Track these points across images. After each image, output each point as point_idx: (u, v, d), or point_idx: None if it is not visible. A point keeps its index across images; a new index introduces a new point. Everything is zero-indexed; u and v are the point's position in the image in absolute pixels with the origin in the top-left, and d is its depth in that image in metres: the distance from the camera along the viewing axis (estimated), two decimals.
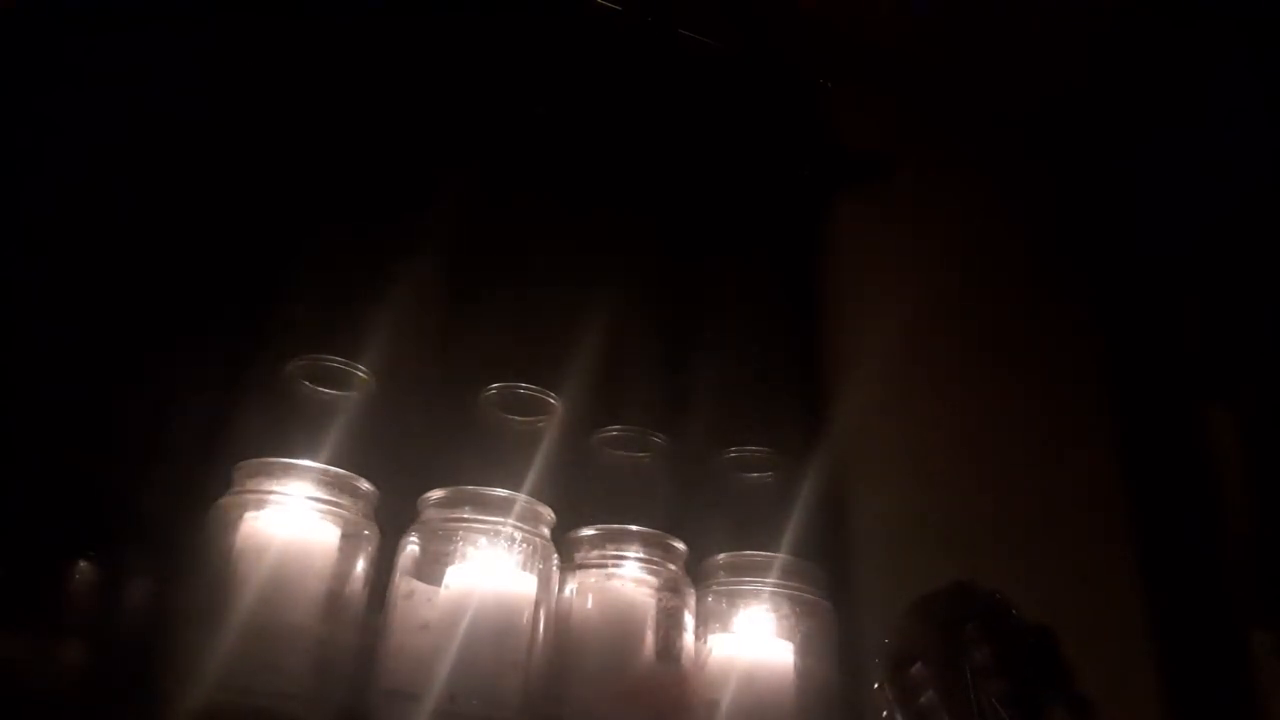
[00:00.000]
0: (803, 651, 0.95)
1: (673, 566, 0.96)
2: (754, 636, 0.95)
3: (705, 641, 0.96)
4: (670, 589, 0.95)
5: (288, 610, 0.80)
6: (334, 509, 0.87)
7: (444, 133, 1.24)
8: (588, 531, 0.96)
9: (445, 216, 1.16)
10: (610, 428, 1.09)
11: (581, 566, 0.94)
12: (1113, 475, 1.45)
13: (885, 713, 0.76)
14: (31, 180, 0.99)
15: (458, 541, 0.88)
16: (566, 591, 0.93)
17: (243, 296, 1.05)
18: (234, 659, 0.77)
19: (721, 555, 1.01)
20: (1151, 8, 1.52)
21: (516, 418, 1.05)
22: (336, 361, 0.98)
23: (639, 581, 0.93)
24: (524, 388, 1.04)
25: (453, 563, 0.87)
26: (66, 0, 1.08)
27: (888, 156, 1.50)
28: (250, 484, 0.86)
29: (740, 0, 1.51)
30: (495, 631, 0.84)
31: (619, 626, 0.91)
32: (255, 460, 0.87)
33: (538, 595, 0.88)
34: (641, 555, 0.95)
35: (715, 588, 0.99)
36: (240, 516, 0.84)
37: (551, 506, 0.93)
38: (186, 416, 0.96)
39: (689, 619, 0.95)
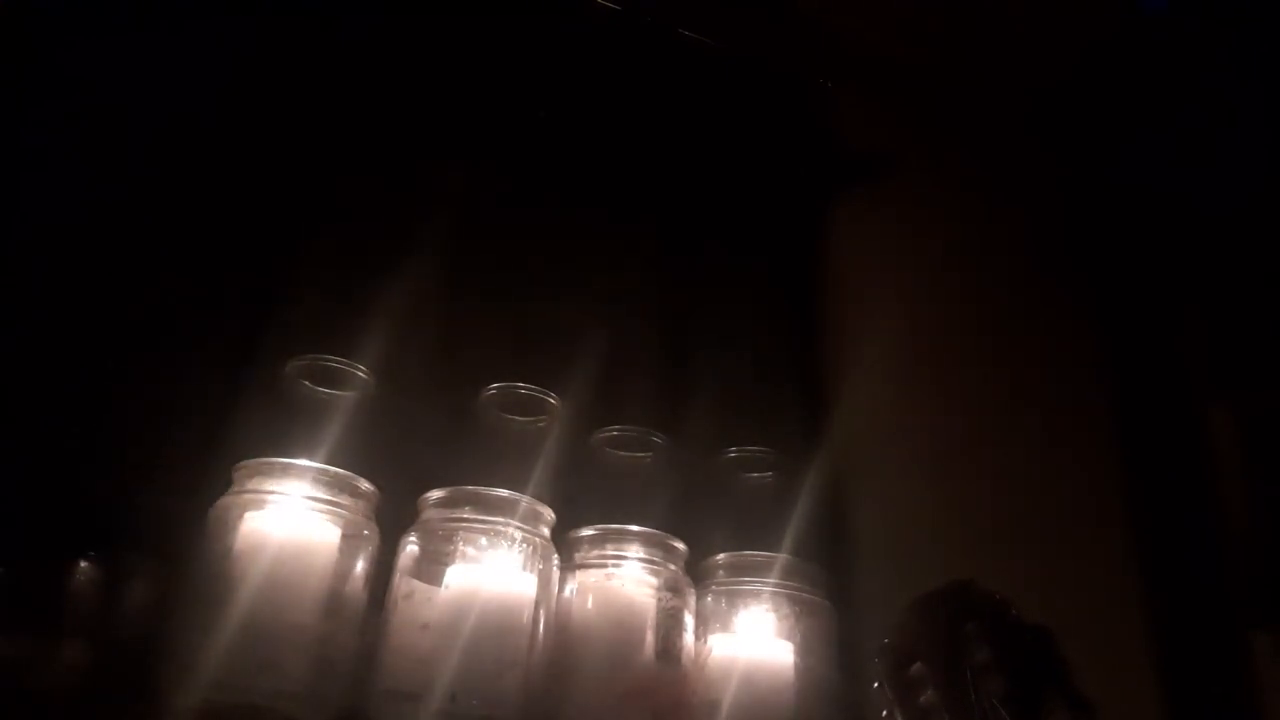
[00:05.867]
0: (803, 651, 0.95)
1: (673, 566, 0.96)
2: (754, 636, 0.95)
3: (705, 641, 0.96)
4: (670, 589, 0.95)
5: (288, 610, 0.80)
6: (334, 509, 0.87)
7: (444, 132, 1.24)
8: (588, 531, 0.96)
9: (445, 216, 1.16)
10: (610, 428, 1.09)
11: (581, 566, 0.94)
12: (1113, 475, 1.45)
13: (885, 712, 0.76)
14: (31, 180, 0.99)
15: (458, 541, 0.88)
16: (566, 591, 0.93)
17: (243, 296, 1.05)
18: (234, 659, 0.77)
19: (721, 555, 1.01)
20: (1154, 5, 1.52)
21: (516, 418, 1.05)
22: (336, 361, 0.98)
23: (639, 581, 0.93)
24: (524, 388, 1.04)
25: (453, 563, 0.87)
26: (67, 1, 1.08)
27: (887, 156, 1.50)
28: (250, 484, 0.86)
29: (740, 0, 1.51)
30: (495, 631, 0.84)
31: (619, 626, 0.91)
32: (255, 460, 0.87)
33: (538, 595, 0.88)
34: (641, 555, 0.95)
35: (715, 588, 0.99)
36: (240, 516, 0.84)
37: (551, 506, 0.93)
38: (186, 416, 0.96)
39: (689, 619, 0.95)
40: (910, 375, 1.37)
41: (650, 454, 1.09)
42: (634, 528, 0.96)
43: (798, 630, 0.96)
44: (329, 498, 0.87)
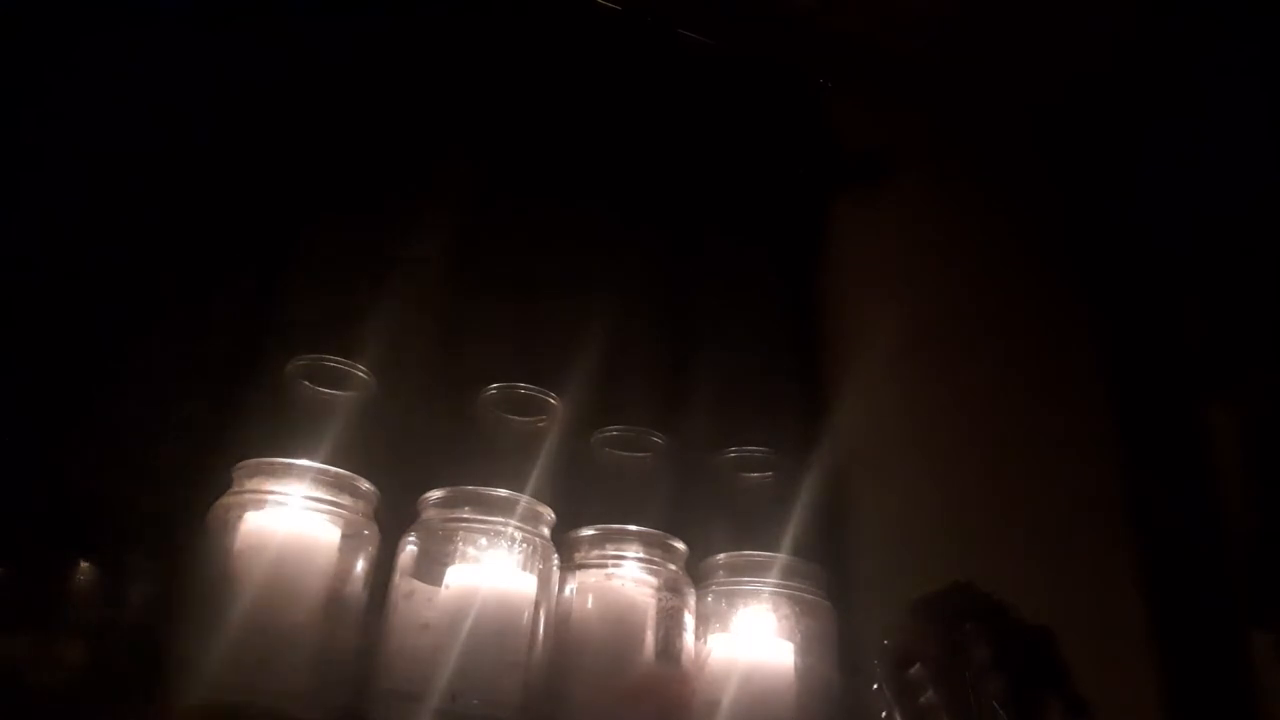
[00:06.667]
0: (803, 651, 0.95)
1: (673, 566, 0.96)
2: (754, 636, 0.95)
3: (705, 641, 0.96)
4: (670, 589, 0.95)
5: (288, 610, 0.80)
6: (334, 509, 0.87)
7: (444, 132, 1.24)
8: (588, 531, 0.96)
9: (445, 216, 1.16)
10: (610, 428, 1.09)
11: (581, 566, 0.94)
12: (1113, 474, 1.45)
13: (884, 713, 0.76)
14: (31, 178, 0.99)
15: (458, 541, 0.88)
16: (566, 591, 0.93)
17: (242, 296, 1.05)
18: (234, 659, 0.77)
19: (721, 555, 1.01)
20: (1153, 5, 1.52)
21: (516, 418, 1.05)
22: (336, 361, 0.98)
23: (639, 581, 0.93)
24: (524, 388, 1.04)
25: (453, 563, 0.87)
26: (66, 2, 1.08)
27: (887, 155, 1.50)
28: (250, 484, 0.86)
29: (740, 0, 1.51)
30: (495, 631, 0.84)
31: (619, 626, 0.91)
32: (255, 460, 0.87)
33: (538, 595, 0.88)
34: (641, 555, 0.95)
35: (715, 588, 0.99)
36: (240, 516, 0.84)
37: (551, 506, 0.93)
38: (186, 416, 0.96)
39: (689, 619, 0.95)
40: (910, 375, 1.37)
41: (650, 454, 1.09)
42: (634, 528, 0.96)
43: (798, 630, 0.96)
44: (329, 498, 0.87)
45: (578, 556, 0.95)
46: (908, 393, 1.36)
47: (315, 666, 0.80)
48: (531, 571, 0.88)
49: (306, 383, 0.98)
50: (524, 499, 0.91)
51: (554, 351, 1.12)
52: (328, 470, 0.88)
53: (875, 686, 0.78)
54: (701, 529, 1.04)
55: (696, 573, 1.00)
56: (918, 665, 0.75)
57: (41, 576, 0.82)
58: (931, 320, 1.44)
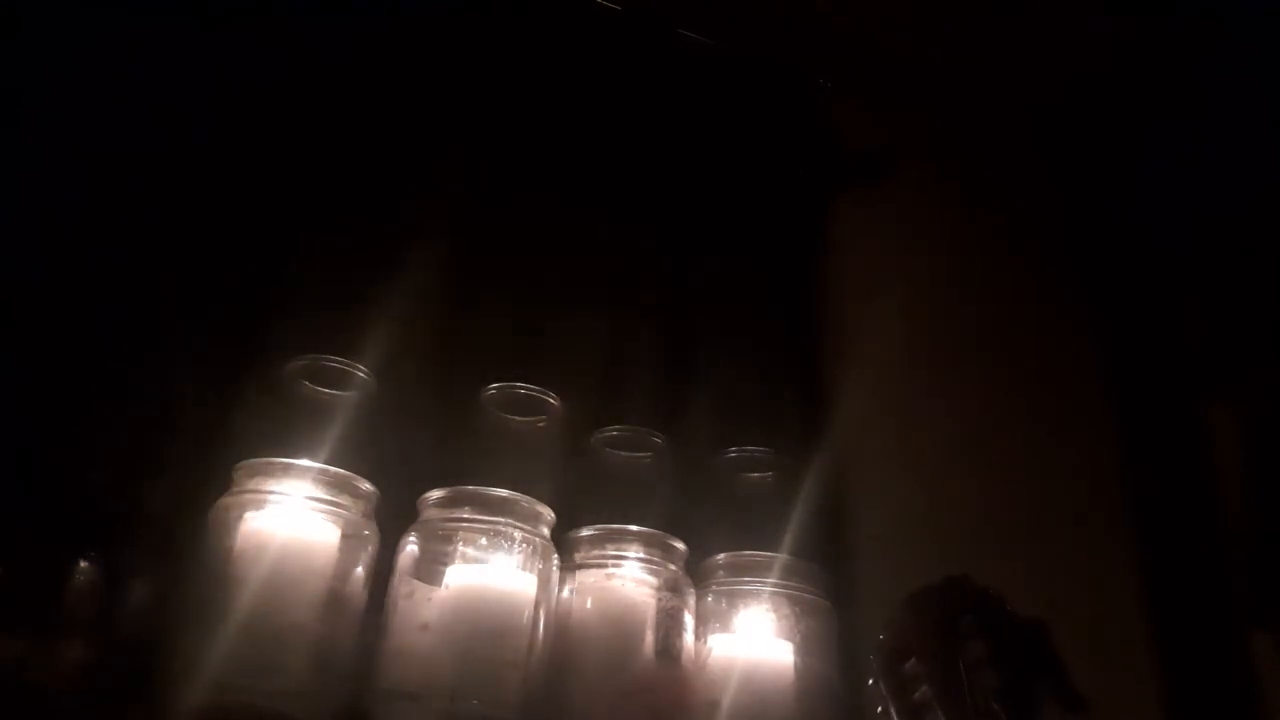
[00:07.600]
0: (803, 651, 0.95)
1: (673, 566, 0.96)
2: (754, 636, 0.95)
3: (705, 641, 0.96)
4: (670, 589, 0.95)
5: (288, 610, 0.80)
6: (334, 509, 0.87)
7: (444, 132, 1.24)
8: (588, 531, 0.96)
9: (445, 216, 1.16)
10: (610, 428, 1.09)
11: (581, 566, 0.94)
12: (1113, 475, 1.45)
13: (880, 708, 0.76)
14: (31, 178, 0.99)
15: (458, 541, 0.88)
16: (566, 591, 0.93)
17: (243, 296, 1.05)
18: (234, 659, 0.77)
19: (721, 555, 1.01)
20: (1153, 5, 1.52)
21: (516, 418, 1.05)
22: (336, 361, 0.98)
23: (639, 581, 0.93)
24: (524, 388, 1.04)
25: (453, 563, 0.87)
26: (66, 2, 1.08)
27: (887, 155, 1.50)
28: (250, 484, 0.86)
29: (740, 0, 1.51)
30: (495, 631, 0.84)
31: (619, 626, 0.91)
32: (255, 460, 0.87)
33: (538, 595, 0.88)
34: (641, 555, 0.95)
35: (715, 588, 0.99)
36: (240, 516, 0.84)
37: (551, 506, 0.93)
38: (186, 417, 0.96)
39: (689, 619, 0.95)
40: (910, 374, 1.37)
41: (650, 454, 1.09)
42: (634, 528, 0.96)
43: (798, 630, 0.96)
44: (329, 498, 0.87)
45: (578, 556, 0.95)
46: (908, 392, 1.36)
47: (315, 666, 0.80)
48: (531, 571, 0.88)
49: (306, 383, 0.98)
50: (524, 499, 0.91)
51: (554, 352, 1.12)
52: (328, 470, 0.88)
53: (870, 681, 0.77)
54: (701, 529, 1.03)
55: (696, 573, 1.00)
56: (913, 660, 0.75)
57: (41, 576, 0.82)
58: (931, 320, 1.44)
